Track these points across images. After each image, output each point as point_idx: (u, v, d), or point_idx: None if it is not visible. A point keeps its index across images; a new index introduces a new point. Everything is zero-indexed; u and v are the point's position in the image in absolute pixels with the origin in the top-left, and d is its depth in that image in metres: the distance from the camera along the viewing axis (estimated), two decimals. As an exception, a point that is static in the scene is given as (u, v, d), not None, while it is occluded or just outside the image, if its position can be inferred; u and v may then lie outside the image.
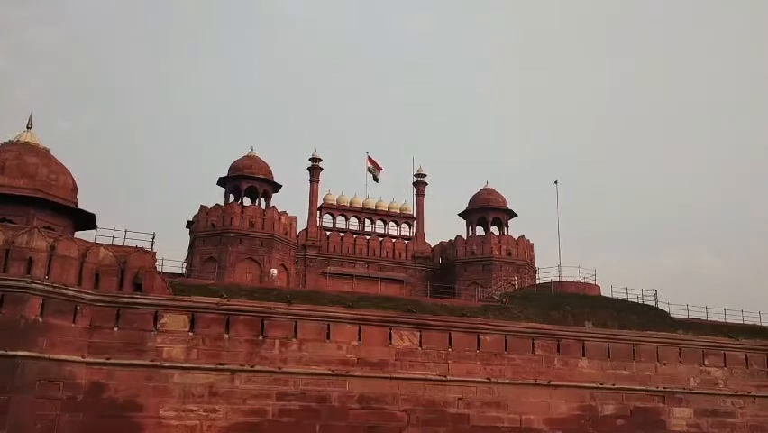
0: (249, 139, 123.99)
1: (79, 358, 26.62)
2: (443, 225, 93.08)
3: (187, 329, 28.50)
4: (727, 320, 39.94)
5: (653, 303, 39.30)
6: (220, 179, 53.57)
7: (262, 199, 53.54)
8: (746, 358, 36.74)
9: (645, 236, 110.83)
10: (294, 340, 29.73)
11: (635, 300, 39.29)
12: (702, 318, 39.77)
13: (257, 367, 28.83)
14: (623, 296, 39.43)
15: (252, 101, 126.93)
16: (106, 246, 29.44)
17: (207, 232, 49.88)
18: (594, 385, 33.36)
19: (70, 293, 26.77)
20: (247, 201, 53.57)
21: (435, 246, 60.11)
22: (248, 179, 52.79)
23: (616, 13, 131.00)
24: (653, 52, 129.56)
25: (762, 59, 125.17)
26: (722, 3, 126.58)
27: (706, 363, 35.83)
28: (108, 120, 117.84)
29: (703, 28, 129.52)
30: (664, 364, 34.96)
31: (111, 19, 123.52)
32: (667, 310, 39.06)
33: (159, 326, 28.19)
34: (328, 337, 30.19)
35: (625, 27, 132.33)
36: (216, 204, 51.53)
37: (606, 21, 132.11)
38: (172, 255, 55.98)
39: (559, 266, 41.57)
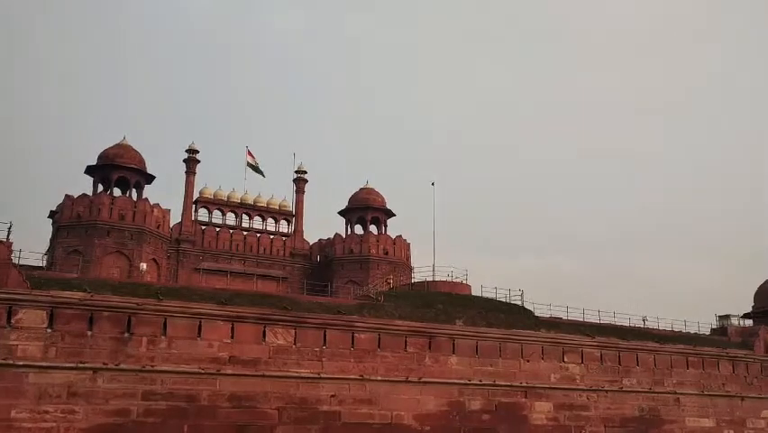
0: (122, 129, 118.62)
1: None
2: (323, 222, 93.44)
3: (45, 326, 26.79)
4: (586, 319, 42.55)
5: (519, 303, 41.12)
6: (88, 167, 50.82)
7: (134, 190, 51.34)
8: (601, 355, 39.26)
9: (514, 239, 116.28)
10: (163, 338, 28.67)
11: (503, 300, 40.97)
12: (563, 318, 42.12)
13: (122, 366, 27.55)
14: (492, 295, 40.99)
15: (128, 91, 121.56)
16: (-45, 235, 27.16)
17: (72, 223, 47.24)
18: (463, 382, 34.47)
19: None
20: (117, 192, 51.18)
21: (314, 244, 60.09)
22: (118, 169, 50.47)
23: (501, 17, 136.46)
24: (535, 57, 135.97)
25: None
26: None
27: (565, 359, 37.96)
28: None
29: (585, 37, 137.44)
30: (528, 361, 36.70)
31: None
32: (532, 310, 41.03)
33: (13, 322, 26.28)
34: (199, 335, 29.37)
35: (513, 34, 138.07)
36: (83, 193, 48.85)
37: (492, 25, 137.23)
38: (32, 247, 52.30)
39: (433, 266, 42.62)
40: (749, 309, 52.46)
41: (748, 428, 43.15)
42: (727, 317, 50.42)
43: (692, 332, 46.69)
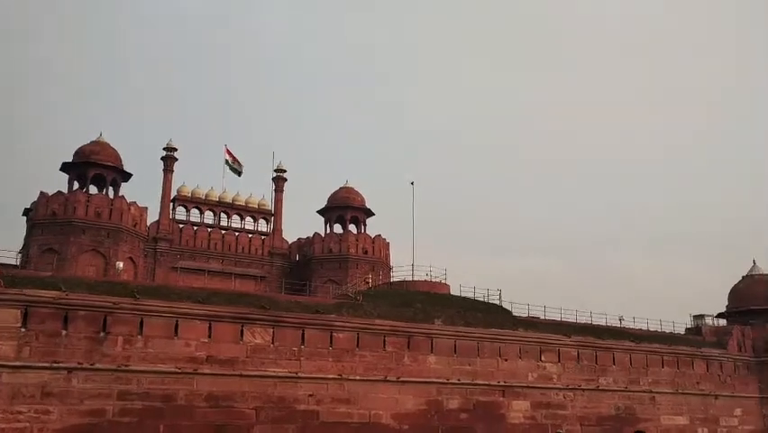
0: (100, 126, 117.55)
1: None
2: (302, 221, 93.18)
3: (19, 325, 26.44)
4: (564, 319, 42.84)
5: (497, 302, 41.25)
6: (64, 164, 50.14)
7: (110, 188, 50.76)
8: (578, 354, 39.62)
9: (495, 239, 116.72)
10: (139, 337, 28.43)
11: (482, 299, 41.07)
12: (541, 317, 42.36)
13: (97, 365, 27.27)
14: (470, 295, 41.07)
15: (105, 86, 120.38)
16: (-74, 233, 26.70)
17: (47, 220, 46.57)
18: (441, 381, 34.60)
19: None
20: (93, 189, 50.58)
21: (293, 243, 59.85)
22: (95, 166, 49.85)
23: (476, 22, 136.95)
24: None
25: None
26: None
27: (542, 358, 38.25)
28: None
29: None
30: (506, 360, 36.93)
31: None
32: (510, 309, 41.20)
33: (-15, 321, 25.91)
34: (176, 334, 29.15)
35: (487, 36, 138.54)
36: (59, 191, 48.18)
37: (473, 28, 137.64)
38: (6, 245, 51.62)
39: (412, 265, 42.59)
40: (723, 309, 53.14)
41: (721, 425, 43.84)
42: (702, 316, 51.08)
43: (668, 331, 47.22)
